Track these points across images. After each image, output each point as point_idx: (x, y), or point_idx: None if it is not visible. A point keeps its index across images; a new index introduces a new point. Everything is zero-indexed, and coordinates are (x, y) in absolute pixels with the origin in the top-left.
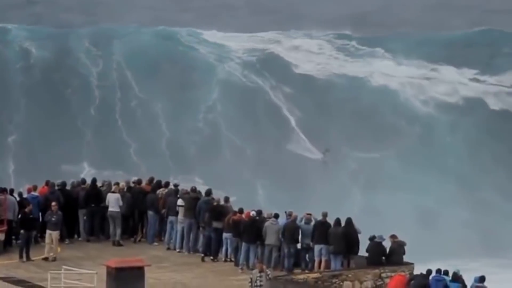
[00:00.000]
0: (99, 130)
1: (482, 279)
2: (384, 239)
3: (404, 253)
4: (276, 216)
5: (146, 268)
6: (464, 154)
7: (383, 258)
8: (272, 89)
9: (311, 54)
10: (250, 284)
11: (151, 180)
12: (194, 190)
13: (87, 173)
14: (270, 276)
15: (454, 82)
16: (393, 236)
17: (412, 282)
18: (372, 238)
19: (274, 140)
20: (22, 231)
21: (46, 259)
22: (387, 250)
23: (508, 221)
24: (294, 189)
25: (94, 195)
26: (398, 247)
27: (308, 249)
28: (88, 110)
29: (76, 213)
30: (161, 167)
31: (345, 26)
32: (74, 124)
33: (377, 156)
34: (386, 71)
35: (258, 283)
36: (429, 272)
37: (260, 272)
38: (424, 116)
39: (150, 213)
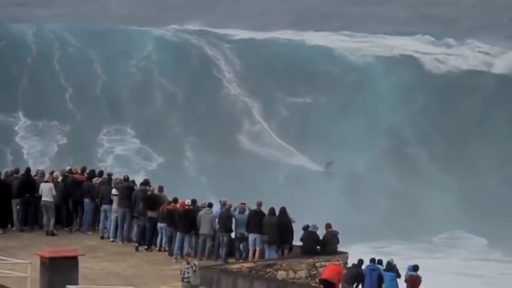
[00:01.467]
0: (35, 78)
1: (415, 267)
2: (317, 228)
3: (338, 242)
4: (210, 205)
5: (80, 258)
6: (396, 103)
7: (318, 247)
8: (209, 44)
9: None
10: (180, 275)
11: (84, 170)
12: (126, 179)
13: (22, 124)
14: (195, 268)
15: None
16: (327, 226)
17: (345, 271)
18: (306, 228)
19: (207, 90)
20: None
21: None
22: (322, 239)
23: (439, 195)
24: (222, 143)
25: (28, 184)
26: (332, 236)
27: (242, 239)
28: (24, 58)
29: (10, 202)
30: (95, 116)
31: None
32: (9, 72)
33: (309, 101)
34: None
35: (186, 275)
36: (360, 261)
37: (187, 264)
38: (360, 65)
39: (86, 200)
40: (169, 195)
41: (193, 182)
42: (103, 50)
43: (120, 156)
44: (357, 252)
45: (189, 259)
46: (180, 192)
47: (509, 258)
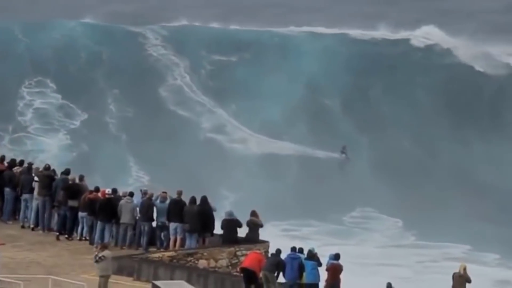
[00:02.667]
0: None
1: (337, 256)
2: (234, 215)
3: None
4: (131, 194)
5: (0, 247)
6: (317, 61)
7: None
8: None
9: None
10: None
11: (2, 159)
12: (47, 168)
13: None
14: (102, 257)
15: None
16: (252, 213)
17: (266, 260)
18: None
19: (133, 50)
20: None
21: None
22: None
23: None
24: (145, 98)
25: None
26: (253, 225)
27: (164, 228)
28: None
29: None
30: (18, 70)
31: None
32: None
33: (234, 59)
34: None
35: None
36: (278, 251)
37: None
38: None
39: (7, 190)
40: (90, 157)
41: (113, 140)
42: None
43: (40, 110)
44: (267, 234)
45: (97, 248)
46: (100, 153)
47: (423, 241)
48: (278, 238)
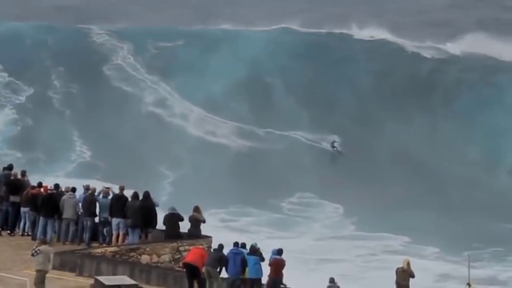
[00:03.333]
0: None
1: (280, 251)
2: (176, 210)
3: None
4: (74, 189)
5: None
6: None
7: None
8: None
9: None
10: None
11: None
12: None
13: None
14: (38, 251)
15: None
16: (195, 208)
17: (208, 256)
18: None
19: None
20: None
21: None
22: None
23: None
24: (89, 75)
25: None
26: (195, 220)
27: (106, 223)
28: None
29: None
30: None
31: None
32: None
33: (180, 43)
34: None
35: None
36: (221, 246)
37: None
38: None
39: None
40: (34, 131)
41: (58, 115)
42: None
43: None
44: (207, 224)
45: (37, 244)
46: (44, 127)
47: (363, 232)
48: (217, 230)
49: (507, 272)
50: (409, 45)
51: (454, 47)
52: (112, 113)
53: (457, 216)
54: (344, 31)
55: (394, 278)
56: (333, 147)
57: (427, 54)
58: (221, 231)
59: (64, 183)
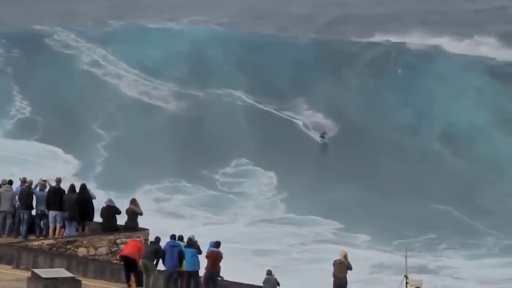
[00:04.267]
0: None
1: (217, 244)
2: (113, 203)
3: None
4: (10, 182)
5: None
6: None
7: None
8: None
9: None
10: None
11: None
12: None
13: None
14: None
15: None
16: (132, 201)
17: (145, 248)
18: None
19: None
20: None
21: None
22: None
23: None
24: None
25: None
26: (132, 213)
27: (43, 216)
28: None
29: None
30: None
31: None
32: None
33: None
34: None
35: None
36: (157, 238)
37: None
38: None
39: None
40: None
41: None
42: None
43: None
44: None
45: None
46: None
47: (293, 214)
48: (152, 215)
49: (437, 262)
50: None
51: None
52: (51, 72)
53: (388, 193)
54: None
55: (327, 269)
56: (322, 137)
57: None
58: (155, 216)
59: (2, 144)
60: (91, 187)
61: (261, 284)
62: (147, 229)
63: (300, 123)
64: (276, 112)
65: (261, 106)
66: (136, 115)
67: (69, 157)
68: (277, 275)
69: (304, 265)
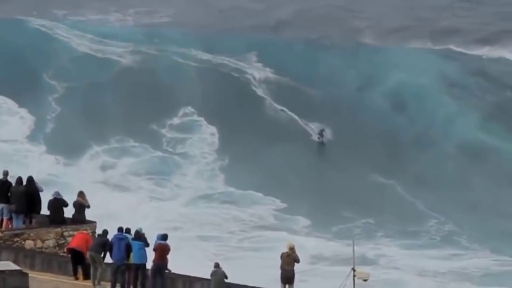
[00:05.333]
0: None
1: (164, 236)
2: (60, 195)
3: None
4: None
5: None
6: None
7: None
8: None
9: None
10: None
11: None
12: None
13: None
14: None
15: None
16: (79, 193)
17: (92, 241)
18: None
19: None
20: None
21: None
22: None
23: None
24: None
25: None
26: (79, 206)
27: None
28: None
29: None
30: None
31: None
32: None
33: None
34: None
35: None
36: (105, 231)
37: None
38: None
39: None
40: None
41: None
42: None
43: None
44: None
45: None
46: None
47: (233, 188)
48: (97, 189)
49: (376, 250)
50: None
51: None
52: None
53: (328, 161)
54: None
55: (268, 257)
56: (321, 135)
57: None
58: (102, 190)
59: None
60: (41, 151)
61: (209, 277)
62: (95, 222)
63: (250, 77)
64: (227, 63)
65: (213, 57)
66: (89, 67)
67: (23, 112)
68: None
69: (245, 253)
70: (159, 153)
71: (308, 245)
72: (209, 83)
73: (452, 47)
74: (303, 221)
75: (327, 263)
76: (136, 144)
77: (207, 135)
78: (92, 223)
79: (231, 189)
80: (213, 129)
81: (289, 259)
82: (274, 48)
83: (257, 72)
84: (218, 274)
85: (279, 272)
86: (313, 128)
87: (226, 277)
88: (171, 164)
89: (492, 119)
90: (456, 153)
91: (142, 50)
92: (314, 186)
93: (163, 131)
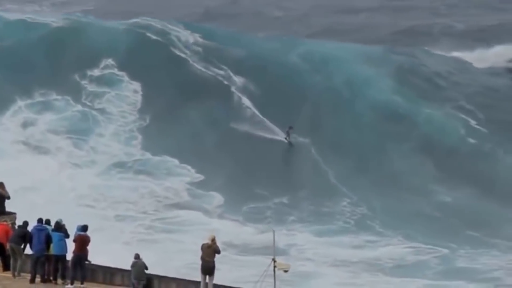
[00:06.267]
0: None
1: (84, 228)
2: None
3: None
4: None
5: None
6: None
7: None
8: None
9: None
10: None
11: None
12: None
13: None
14: None
15: None
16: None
17: (13, 232)
18: None
19: None
20: None
21: None
22: None
23: None
24: None
25: None
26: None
27: None
28: None
29: None
30: None
31: None
32: None
33: None
34: None
35: None
36: (25, 222)
37: None
38: None
39: None
40: None
41: None
42: None
43: None
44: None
45: None
46: None
47: (148, 152)
48: (18, 152)
49: (289, 237)
50: None
51: None
52: None
53: (243, 125)
54: None
55: (180, 240)
56: (288, 135)
57: None
58: (23, 153)
59: None
60: None
61: (129, 268)
62: (14, 213)
63: (174, 38)
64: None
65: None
66: (19, 28)
67: None
68: (132, 246)
69: (159, 235)
70: (79, 107)
71: (220, 231)
72: (134, 41)
73: None
74: (216, 199)
75: (236, 251)
76: (59, 97)
77: (129, 92)
78: (12, 214)
79: (147, 155)
80: (136, 85)
81: (210, 251)
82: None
83: (182, 34)
84: (139, 265)
85: (199, 263)
86: (236, 81)
87: (147, 268)
88: (91, 121)
89: (405, 83)
90: (370, 114)
91: (69, 18)
92: (229, 151)
93: (84, 82)
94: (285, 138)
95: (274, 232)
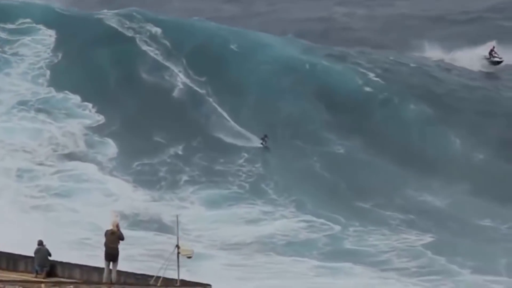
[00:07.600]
0: None
1: None
2: None
3: None
4: None
5: None
6: None
7: None
8: None
9: None
10: None
11: None
12: None
13: None
14: None
15: None
16: None
17: None
18: None
19: None
20: None
21: None
22: None
23: None
24: None
25: None
26: None
27: None
28: None
29: None
30: None
31: None
32: None
33: None
34: None
35: None
36: None
37: None
38: None
39: None
40: None
41: None
42: None
43: None
44: None
45: None
46: None
47: (56, 91)
48: None
49: (179, 210)
50: None
51: None
52: None
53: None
54: None
55: (72, 208)
56: (264, 140)
57: None
58: None
59: None
60: None
61: (32, 255)
62: None
63: None
64: None
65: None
66: None
67: None
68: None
69: (52, 200)
70: None
71: (111, 197)
72: None
73: None
74: (111, 149)
75: (127, 225)
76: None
77: (46, 36)
78: None
79: (52, 91)
80: (51, 32)
81: (113, 237)
82: None
83: None
84: (42, 251)
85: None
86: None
87: (50, 255)
88: (2, 61)
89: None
90: (270, 67)
91: None
92: (133, 94)
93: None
94: (261, 144)
95: (177, 217)
